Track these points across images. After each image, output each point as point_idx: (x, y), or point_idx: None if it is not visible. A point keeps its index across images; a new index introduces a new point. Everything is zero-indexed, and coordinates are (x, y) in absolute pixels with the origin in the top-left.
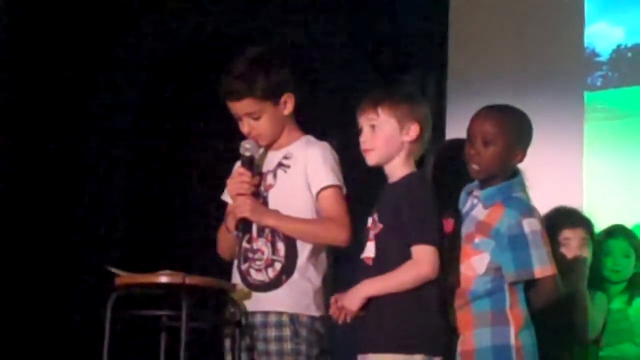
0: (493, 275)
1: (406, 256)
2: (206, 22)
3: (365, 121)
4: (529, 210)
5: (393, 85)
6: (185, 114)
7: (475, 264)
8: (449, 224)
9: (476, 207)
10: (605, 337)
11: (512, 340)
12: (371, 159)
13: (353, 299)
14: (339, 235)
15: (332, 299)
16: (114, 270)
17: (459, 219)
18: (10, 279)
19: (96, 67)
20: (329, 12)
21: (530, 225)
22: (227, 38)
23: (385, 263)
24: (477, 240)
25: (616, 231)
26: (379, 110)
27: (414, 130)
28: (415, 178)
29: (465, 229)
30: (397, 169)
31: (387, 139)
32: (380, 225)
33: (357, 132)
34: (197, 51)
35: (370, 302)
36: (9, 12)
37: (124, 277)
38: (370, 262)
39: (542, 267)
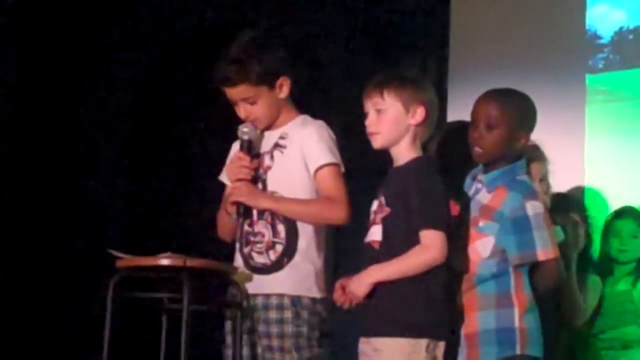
0: (498, 259)
1: (414, 241)
2: (207, 5)
3: (370, 105)
4: (532, 192)
5: (397, 68)
6: (185, 97)
7: (480, 248)
8: (455, 208)
9: (480, 191)
10: (609, 319)
11: (517, 323)
12: (377, 143)
13: (361, 284)
14: (337, 214)
15: (338, 284)
16: (115, 252)
17: (465, 203)
18: (11, 261)
19: (96, 48)
20: None
21: (533, 208)
22: (228, 20)
23: (393, 247)
24: (481, 223)
25: (625, 212)
26: (385, 93)
27: (419, 113)
28: (424, 162)
29: (471, 213)
30: (404, 152)
31: (393, 122)
32: (388, 209)
33: (360, 113)
34: (197, 34)
35: (376, 287)
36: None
37: (125, 260)
38: (377, 246)
39: (544, 250)
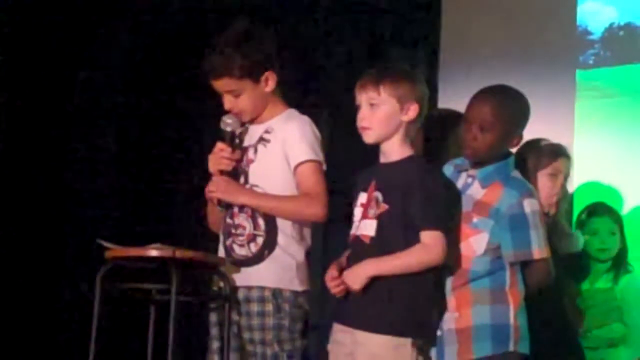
0: (492, 255)
1: (411, 240)
2: None
3: (365, 99)
4: (528, 190)
5: (392, 62)
6: (176, 90)
7: (474, 244)
8: None
9: (472, 185)
10: (593, 318)
11: (512, 320)
12: (369, 138)
13: (357, 277)
14: (315, 211)
15: (329, 274)
16: (104, 243)
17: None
18: (0, 252)
19: (86, 43)
20: None
21: (530, 206)
22: (224, 12)
23: (386, 244)
24: (475, 219)
25: (599, 209)
26: (381, 88)
27: (413, 110)
28: (422, 162)
29: (462, 208)
30: (395, 149)
31: (387, 118)
32: (386, 206)
33: (350, 106)
34: (187, 27)
35: (368, 281)
36: None
37: (114, 250)
38: (367, 241)
39: (540, 249)
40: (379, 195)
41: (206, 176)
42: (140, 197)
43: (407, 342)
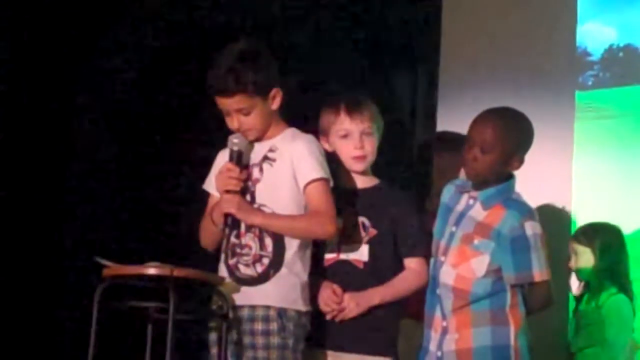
0: (493, 277)
1: (396, 264)
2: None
3: (360, 129)
4: (530, 213)
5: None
6: (173, 106)
7: (475, 266)
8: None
9: (473, 207)
10: (583, 339)
11: (512, 341)
12: (363, 166)
13: (361, 303)
14: (325, 229)
15: (331, 297)
16: (102, 261)
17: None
18: None
19: (87, 52)
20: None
21: (532, 228)
22: (221, 24)
23: (380, 269)
24: (476, 241)
25: (580, 233)
26: (365, 118)
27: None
28: (397, 188)
29: (463, 230)
30: (367, 174)
31: (373, 146)
32: (375, 232)
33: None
34: (191, 36)
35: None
36: None
37: (111, 269)
38: (361, 266)
39: (541, 272)
40: (364, 220)
41: (204, 194)
42: (140, 215)
43: None
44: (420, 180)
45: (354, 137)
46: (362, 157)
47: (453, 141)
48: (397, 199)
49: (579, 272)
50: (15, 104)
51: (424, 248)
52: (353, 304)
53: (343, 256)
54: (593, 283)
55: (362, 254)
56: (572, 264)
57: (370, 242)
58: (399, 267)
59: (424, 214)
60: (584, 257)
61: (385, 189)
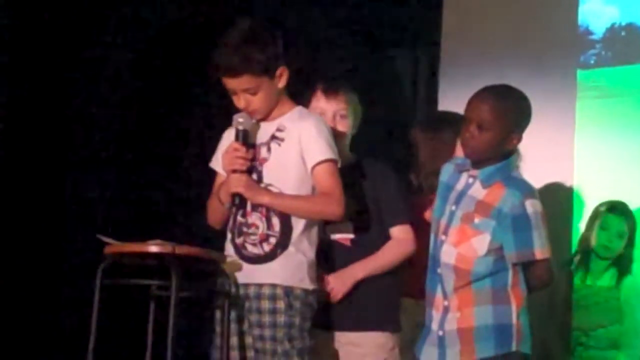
0: (495, 256)
1: (384, 237)
2: None
3: (336, 109)
4: (530, 191)
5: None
6: (174, 85)
7: (476, 245)
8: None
9: (473, 186)
10: (595, 316)
11: (514, 319)
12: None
13: (346, 281)
14: (334, 209)
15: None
16: (104, 238)
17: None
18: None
19: (88, 37)
20: None
21: (533, 206)
22: (221, 9)
23: (366, 244)
24: (477, 220)
25: (617, 208)
26: (345, 100)
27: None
28: (374, 162)
29: (463, 209)
30: (344, 153)
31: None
32: (358, 208)
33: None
34: (190, 21)
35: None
36: None
37: (114, 246)
38: (349, 243)
39: (542, 249)
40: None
41: (210, 172)
42: (143, 192)
43: (391, 336)
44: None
45: (328, 117)
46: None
47: (446, 121)
48: (376, 172)
49: (606, 250)
50: (16, 86)
51: (407, 215)
52: (339, 283)
53: (335, 237)
54: (615, 263)
55: (348, 232)
56: (593, 239)
57: (354, 220)
58: (388, 239)
59: (420, 193)
60: (621, 240)
61: (365, 164)
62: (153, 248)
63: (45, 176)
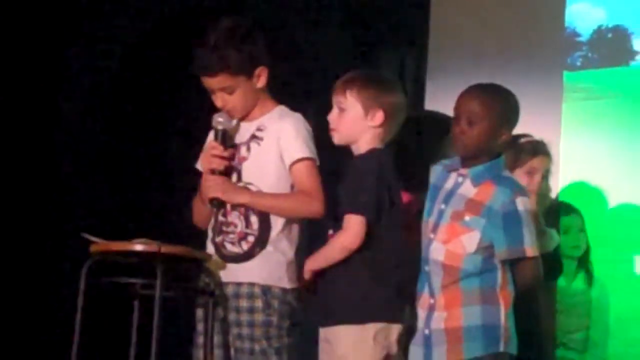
0: (484, 254)
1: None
2: None
3: (335, 102)
4: (520, 188)
5: (371, 68)
6: (162, 83)
7: (465, 242)
8: (406, 196)
9: (463, 184)
10: (575, 319)
11: (502, 320)
12: (335, 139)
13: (303, 273)
14: (313, 208)
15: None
16: (89, 237)
17: (420, 193)
18: None
19: (74, 32)
20: None
21: (523, 204)
22: (209, 6)
23: None
24: (467, 218)
25: (566, 208)
26: (347, 93)
27: (378, 117)
28: (370, 153)
29: (453, 207)
30: (361, 149)
31: (352, 122)
32: (339, 200)
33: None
34: (178, 18)
35: (324, 276)
36: None
37: (99, 244)
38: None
39: (532, 247)
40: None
41: (195, 172)
42: (128, 191)
43: (370, 329)
44: (408, 156)
45: (332, 110)
46: (332, 130)
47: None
48: (352, 162)
49: (576, 249)
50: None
51: (359, 205)
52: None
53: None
54: (580, 261)
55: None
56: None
57: (335, 211)
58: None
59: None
60: (583, 234)
61: (358, 157)
62: (138, 247)
63: (30, 173)
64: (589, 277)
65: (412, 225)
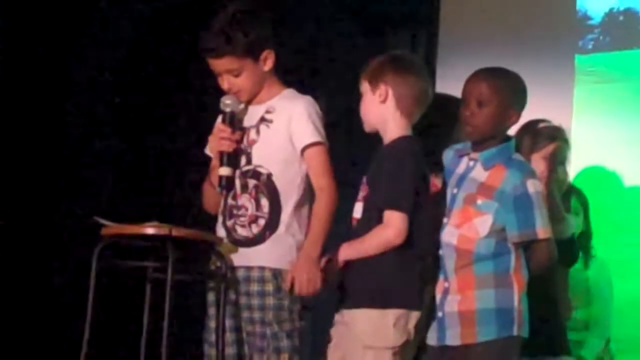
0: (497, 237)
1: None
2: None
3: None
4: (531, 171)
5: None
6: (172, 68)
7: (479, 226)
8: (434, 184)
9: (474, 168)
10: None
11: (516, 304)
12: (365, 128)
13: (334, 261)
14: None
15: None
16: (101, 220)
17: (443, 178)
18: None
19: (86, 12)
20: None
21: (534, 186)
22: None
23: (368, 225)
24: (479, 201)
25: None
26: (362, 77)
27: (382, 91)
28: (402, 143)
29: (465, 191)
30: (389, 133)
31: (367, 104)
32: (367, 188)
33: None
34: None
35: (348, 262)
36: None
37: (110, 228)
38: (355, 223)
39: (544, 228)
40: (365, 178)
41: (205, 156)
42: (140, 174)
43: (390, 314)
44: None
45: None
46: (362, 120)
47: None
48: (385, 154)
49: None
50: (12, 61)
51: (400, 201)
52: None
53: (354, 215)
54: (583, 239)
55: (356, 211)
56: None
57: (364, 199)
58: None
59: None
60: (577, 218)
61: (388, 146)
62: (150, 230)
63: (41, 158)
64: (585, 260)
65: (439, 213)
